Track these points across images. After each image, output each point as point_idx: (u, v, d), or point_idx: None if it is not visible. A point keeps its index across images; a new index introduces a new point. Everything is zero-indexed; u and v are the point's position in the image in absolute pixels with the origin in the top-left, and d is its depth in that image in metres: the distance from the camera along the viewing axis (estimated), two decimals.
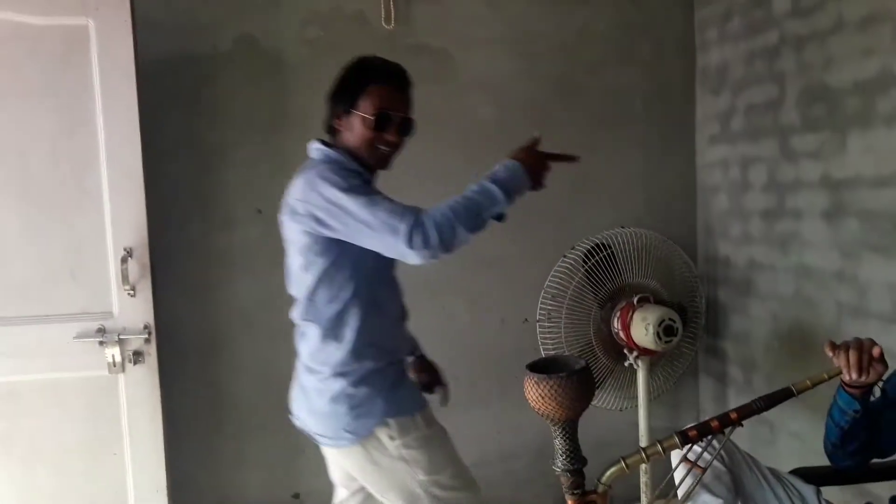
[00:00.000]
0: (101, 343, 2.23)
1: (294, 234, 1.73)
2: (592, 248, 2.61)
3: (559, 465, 1.49)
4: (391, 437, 1.73)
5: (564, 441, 1.50)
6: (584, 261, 2.60)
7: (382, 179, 2.65)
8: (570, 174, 2.83)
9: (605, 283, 2.60)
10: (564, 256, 2.62)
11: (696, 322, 2.74)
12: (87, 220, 2.26)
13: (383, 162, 1.80)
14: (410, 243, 1.58)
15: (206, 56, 2.59)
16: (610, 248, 2.61)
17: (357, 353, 1.72)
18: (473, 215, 1.67)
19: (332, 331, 1.73)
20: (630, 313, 2.54)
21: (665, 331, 2.44)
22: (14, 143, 2.23)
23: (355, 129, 1.75)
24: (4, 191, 2.23)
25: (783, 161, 2.46)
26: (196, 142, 2.62)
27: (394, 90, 1.77)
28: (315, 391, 1.76)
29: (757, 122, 2.59)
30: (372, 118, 1.73)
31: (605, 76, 2.87)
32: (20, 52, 2.22)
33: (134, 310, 2.26)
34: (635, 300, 2.55)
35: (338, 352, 1.72)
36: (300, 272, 1.74)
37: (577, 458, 1.49)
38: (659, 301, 2.59)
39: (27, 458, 2.28)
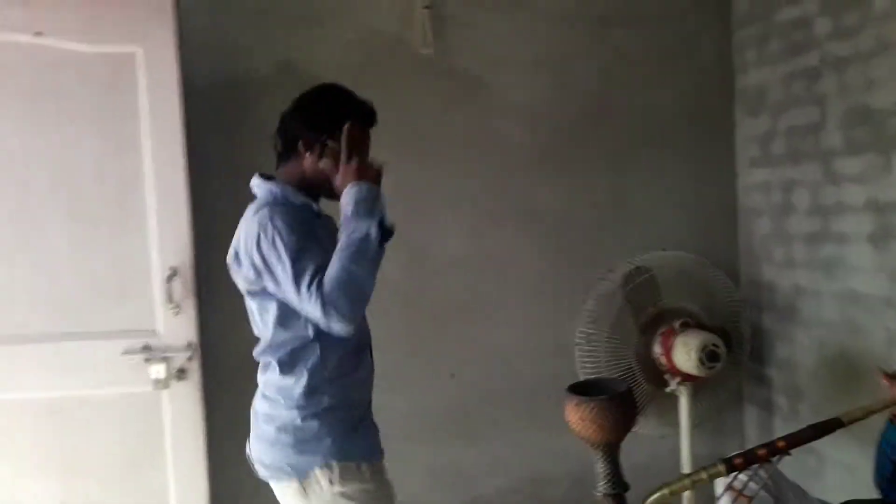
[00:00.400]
0: (146, 360, 2.26)
1: (242, 282, 1.73)
2: (633, 270, 2.58)
3: (601, 489, 1.47)
4: (330, 482, 1.67)
5: (606, 465, 1.48)
6: (625, 284, 2.57)
7: (412, 202, 2.70)
8: (608, 196, 2.85)
9: (646, 307, 2.57)
10: (603, 279, 2.60)
11: (740, 348, 2.68)
12: (133, 239, 2.31)
13: (335, 196, 1.74)
14: (329, 325, 1.59)
15: (248, 80, 2.65)
16: (650, 270, 2.58)
17: (313, 389, 1.69)
18: (364, 260, 1.62)
19: (289, 367, 1.71)
20: (672, 338, 2.50)
21: (709, 356, 2.39)
22: (64, 164, 2.30)
23: (327, 164, 1.73)
24: (55, 210, 2.30)
25: (826, 184, 2.41)
26: (239, 163, 2.65)
27: (366, 130, 1.78)
28: (264, 417, 1.74)
29: (798, 145, 2.55)
30: (341, 152, 1.71)
31: (641, 98, 2.86)
32: (70, 79, 2.29)
33: (178, 328, 2.30)
34: (677, 325, 2.51)
35: (296, 387, 1.69)
36: (257, 315, 1.75)
37: (619, 483, 1.47)
38: (701, 326, 2.54)
39: (73, 471, 2.32)
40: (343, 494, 1.67)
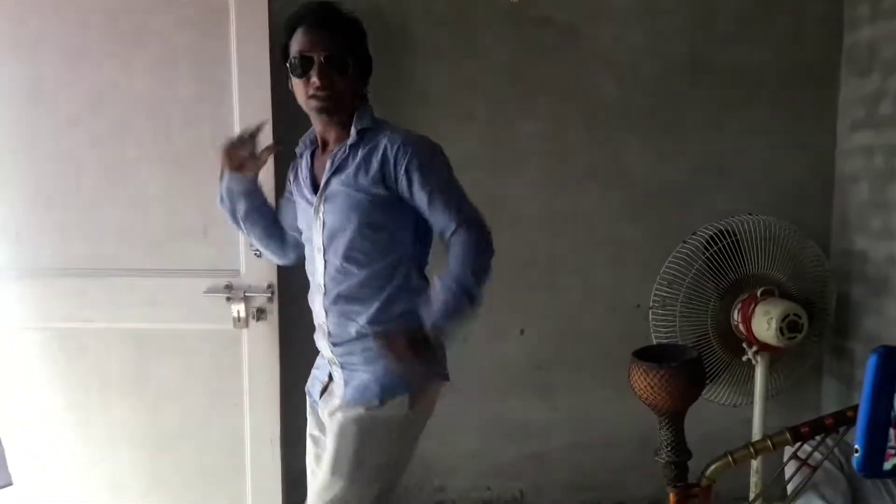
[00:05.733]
0: (227, 299, 2.37)
1: None
2: (716, 234, 2.50)
3: (663, 456, 1.46)
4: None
5: (670, 432, 1.47)
6: (706, 247, 2.50)
7: (494, 154, 2.68)
8: (694, 156, 2.75)
9: (727, 273, 2.49)
10: (685, 242, 2.53)
11: (823, 320, 2.58)
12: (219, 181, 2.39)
13: (324, 113, 1.71)
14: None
15: None
16: (735, 235, 2.49)
17: None
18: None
19: None
20: (752, 306, 2.42)
21: (789, 326, 2.32)
22: (159, 107, 2.39)
23: (294, 88, 1.72)
24: (149, 151, 2.40)
25: None
26: None
27: (310, 28, 1.67)
28: None
29: None
30: (290, 66, 1.68)
31: (738, 52, 2.71)
32: (168, 23, 2.37)
33: (259, 269, 2.38)
34: (759, 292, 2.43)
35: None
36: None
37: (681, 451, 1.46)
38: (784, 295, 2.45)
39: (156, 399, 2.47)
40: None
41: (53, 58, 2.36)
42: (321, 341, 1.82)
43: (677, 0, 2.69)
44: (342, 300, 1.74)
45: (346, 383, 1.75)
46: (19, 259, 2.42)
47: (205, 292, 2.37)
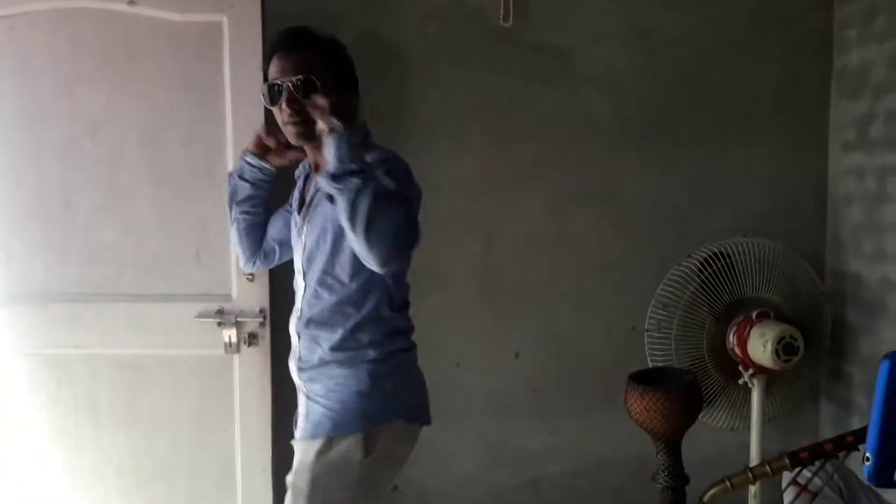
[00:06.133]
0: (219, 324, 2.34)
1: None
2: (710, 256, 2.50)
3: (660, 480, 1.45)
4: None
5: (667, 456, 1.45)
6: (701, 270, 2.50)
7: (489, 178, 2.68)
8: (688, 178, 2.76)
9: (722, 295, 2.49)
10: (679, 264, 2.53)
11: (819, 342, 2.57)
12: (213, 205, 2.36)
13: (301, 139, 1.69)
14: None
15: None
16: (729, 257, 2.49)
17: None
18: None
19: None
20: (747, 328, 2.41)
21: (784, 349, 2.31)
22: (153, 130, 2.37)
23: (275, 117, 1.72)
24: (141, 174, 2.38)
25: None
26: None
27: (282, 55, 1.65)
28: None
29: None
30: (263, 97, 1.66)
31: (731, 73, 2.73)
32: (161, 46, 2.36)
33: (251, 294, 2.36)
34: (754, 315, 2.43)
35: None
36: None
37: (679, 476, 1.44)
38: (780, 317, 2.45)
39: (147, 426, 2.43)
40: None
41: (47, 81, 2.35)
42: (291, 364, 1.80)
43: (669, 23, 2.71)
44: (313, 324, 1.72)
45: (305, 415, 1.72)
46: (9, 283, 2.39)
47: (196, 317, 2.34)
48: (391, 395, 1.64)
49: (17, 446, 2.43)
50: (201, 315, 2.34)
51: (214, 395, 2.40)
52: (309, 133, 1.64)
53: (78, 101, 2.36)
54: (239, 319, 2.34)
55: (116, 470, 2.44)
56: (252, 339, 2.35)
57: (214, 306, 2.35)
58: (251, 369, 2.38)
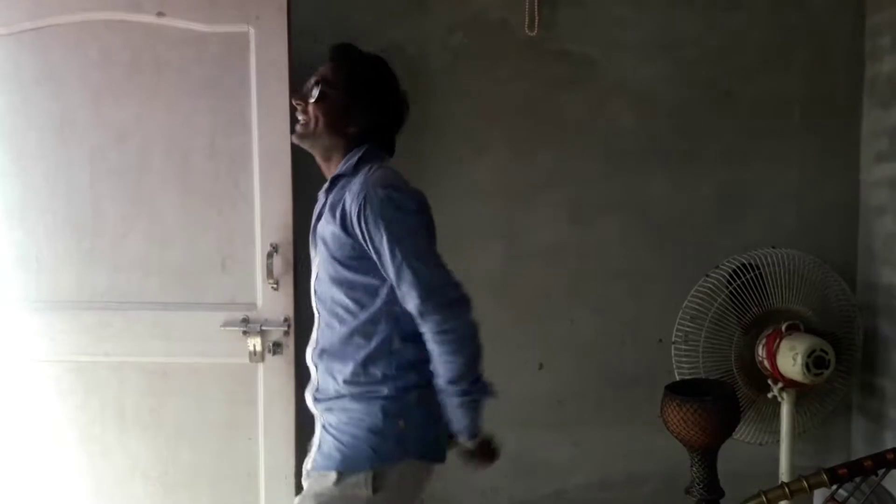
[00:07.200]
0: (244, 332, 2.35)
1: None
2: (739, 267, 2.46)
3: (695, 493, 1.42)
4: None
5: (702, 469, 1.43)
6: (729, 281, 2.46)
7: (512, 187, 2.66)
8: (716, 187, 2.72)
9: (751, 307, 2.44)
10: (707, 276, 2.49)
11: (851, 355, 2.52)
12: (238, 214, 2.39)
13: (294, 136, 1.75)
14: None
15: None
16: (758, 269, 2.45)
17: None
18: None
19: None
20: (777, 341, 2.37)
21: (815, 362, 2.26)
22: (178, 139, 2.40)
23: None
24: (168, 183, 2.40)
25: None
26: None
27: (327, 63, 1.76)
28: None
29: None
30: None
31: (759, 83, 2.70)
32: (188, 56, 2.38)
33: (276, 303, 2.37)
34: (784, 327, 2.38)
35: None
36: None
37: (714, 488, 1.42)
38: (810, 330, 2.40)
39: (172, 433, 2.45)
40: None
41: (76, 91, 2.39)
42: (308, 394, 1.77)
43: (697, 31, 2.69)
44: (326, 355, 1.69)
45: (318, 446, 1.69)
46: (38, 289, 2.42)
47: (221, 326, 2.36)
48: (404, 433, 1.62)
49: (45, 451, 2.46)
50: (227, 324, 2.36)
51: (239, 403, 2.41)
52: (302, 133, 1.71)
53: (106, 111, 2.40)
54: (264, 328, 2.35)
55: (142, 476, 2.46)
56: (276, 347, 2.36)
57: (240, 315, 2.37)
58: (275, 378, 2.38)
